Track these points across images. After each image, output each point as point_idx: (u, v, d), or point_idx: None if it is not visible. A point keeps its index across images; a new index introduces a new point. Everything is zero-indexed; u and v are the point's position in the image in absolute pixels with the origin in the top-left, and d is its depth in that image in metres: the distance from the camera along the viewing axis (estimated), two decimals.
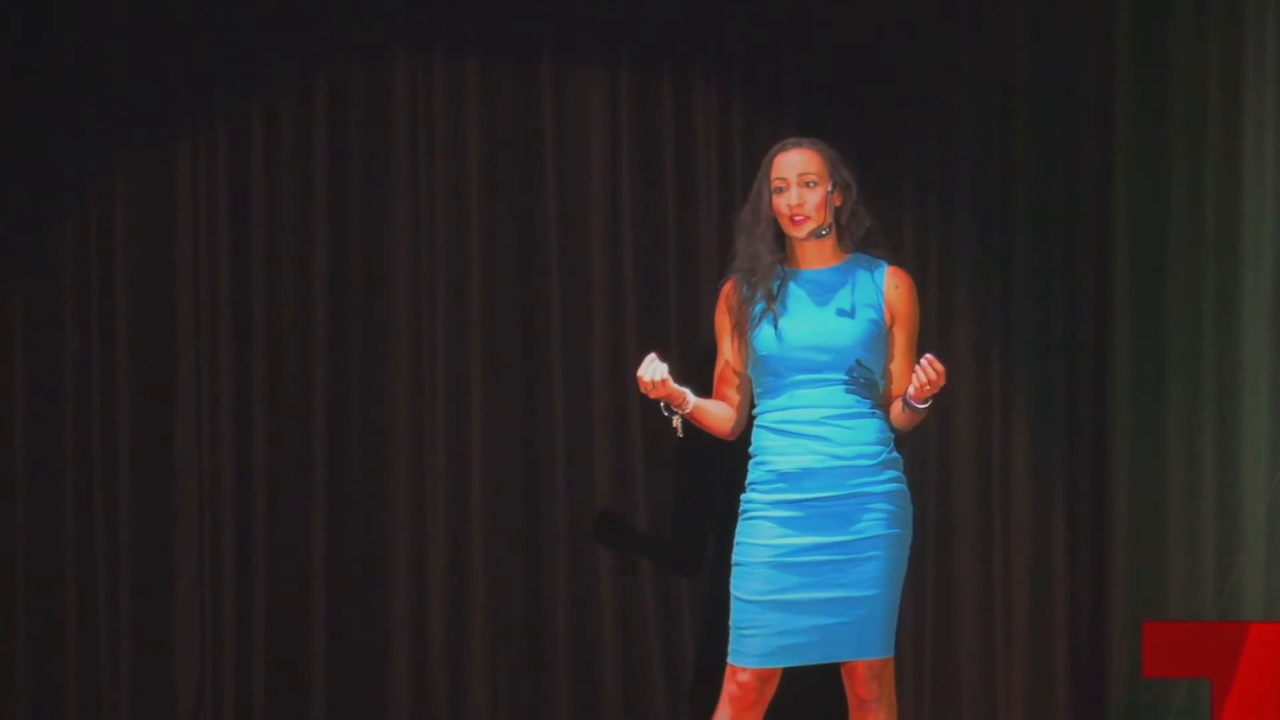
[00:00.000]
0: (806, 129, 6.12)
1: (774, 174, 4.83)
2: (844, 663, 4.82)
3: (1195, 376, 6.04)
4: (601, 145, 6.17)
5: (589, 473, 6.19)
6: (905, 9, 6.20)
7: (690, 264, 6.20)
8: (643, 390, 4.71)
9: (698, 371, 6.12)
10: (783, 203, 4.81)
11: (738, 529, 4.85)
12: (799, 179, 4.81)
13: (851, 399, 4.81)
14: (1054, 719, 6.18)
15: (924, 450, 6.22)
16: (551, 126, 6.17)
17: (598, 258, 6.17)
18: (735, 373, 4.90)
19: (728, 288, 4.91)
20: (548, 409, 6.18)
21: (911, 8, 6.20)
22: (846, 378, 4.81)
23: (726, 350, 4.91)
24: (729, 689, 4.83)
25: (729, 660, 4.82)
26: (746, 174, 6.15)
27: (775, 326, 4.81)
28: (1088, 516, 6.21)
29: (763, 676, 4.80)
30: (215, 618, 6.17)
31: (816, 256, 4.86)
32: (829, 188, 4.82)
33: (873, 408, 4.82)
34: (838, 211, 4.84)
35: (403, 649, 6.18)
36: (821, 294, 4.84)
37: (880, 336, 4.82)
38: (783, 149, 4.87)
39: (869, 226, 4.88)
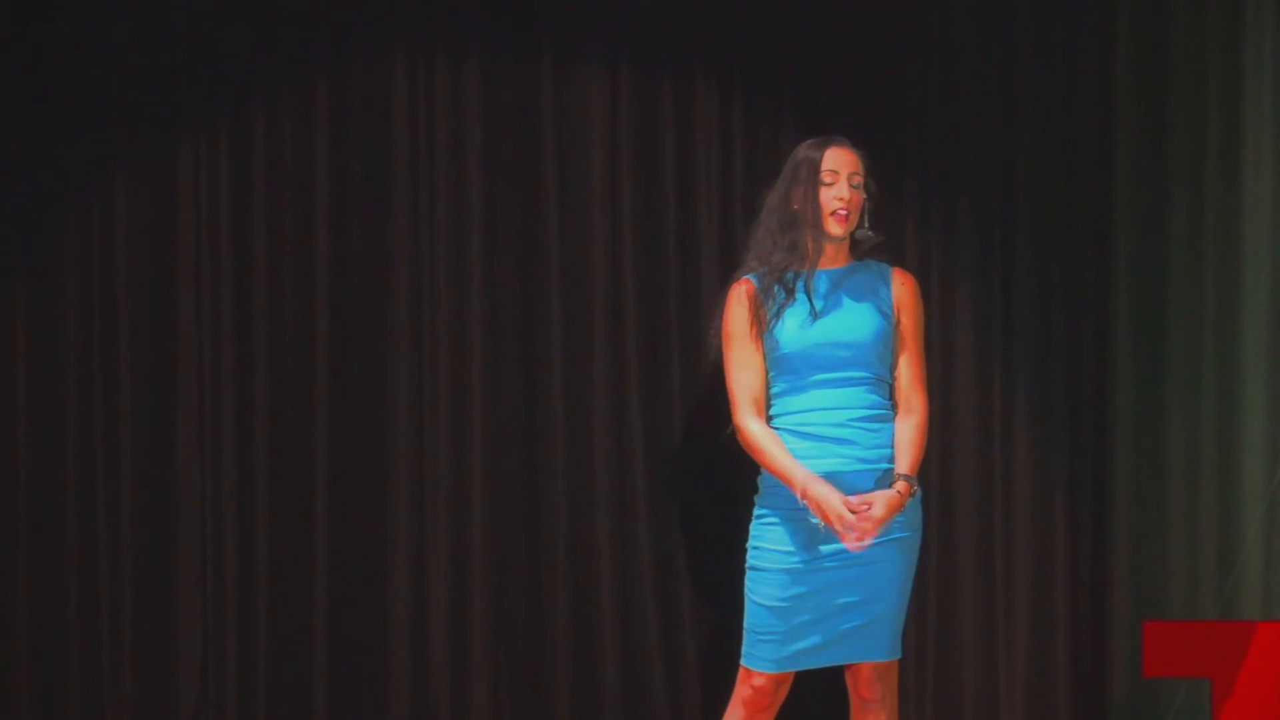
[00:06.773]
0: (806, 131, 6.15)
1: (825, 165, 4.76)
2: (849, 663, 4.80)
3: (1195, 376, 6.03)
4: (601, 145, 6.17)
5: (589, 471, 6.19)
6: (906, 11, 6.19)
7: (690, 264, 6.20)
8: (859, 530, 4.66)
9: (700, 373, 6.16)
10: (830, 195, 4.76)
11: (754, 532, 4.80)
12: (850, 177, 4.77)
13: (874, 399, 4.76)
14: (1054, 719, 6.19)
15: (926, 450, 6.21)
16: (551, 126, 6.17)
17: (598, 257, 6.17)
18: (764, 373, 4.79)
19: (749, 287, 4.80)
20: (548, 407, 6.18)
21: (912, 9, 6.20)
22: (869, 375, 4.76)
23: (752, 354, 4.77)
24: (742, 691, 4.80)
25: (742, 663, 4.79)
26: (747, 174, 6.16)
27: (800, 322, 4.75)
28: (1088, 516, 6.21)
29: (777, 680, 4.77)
30: (217, 618, 6.17)
31: (832, 256, 4.83)
32: (864, 195, 4.81)
33: (892, 409, 4.79)
34: (860, 218, 4.82)
35: (404, 648, 6.18)
36: (837, 291, 4.78)
37: (892, 334, 4.78)
38: (832, 144, 4.81)
39: (878, 240, 4.86)
